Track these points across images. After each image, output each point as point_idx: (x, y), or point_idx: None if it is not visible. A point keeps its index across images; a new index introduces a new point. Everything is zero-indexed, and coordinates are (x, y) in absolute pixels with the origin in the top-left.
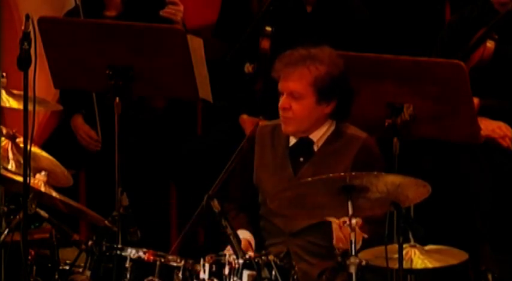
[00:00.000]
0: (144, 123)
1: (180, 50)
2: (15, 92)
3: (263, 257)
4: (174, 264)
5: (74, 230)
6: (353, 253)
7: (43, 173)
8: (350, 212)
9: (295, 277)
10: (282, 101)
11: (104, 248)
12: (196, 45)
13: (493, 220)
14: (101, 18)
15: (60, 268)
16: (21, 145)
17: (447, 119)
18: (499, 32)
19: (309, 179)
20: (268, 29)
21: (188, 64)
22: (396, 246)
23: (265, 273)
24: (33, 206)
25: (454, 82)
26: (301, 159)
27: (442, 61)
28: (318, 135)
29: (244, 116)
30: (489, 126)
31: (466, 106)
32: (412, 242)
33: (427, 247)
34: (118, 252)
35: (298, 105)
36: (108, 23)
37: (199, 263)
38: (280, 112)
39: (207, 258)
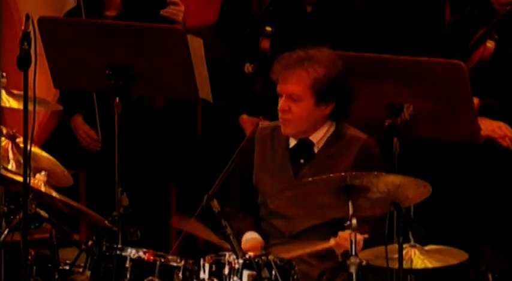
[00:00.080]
0: (144, 123)
1: (180, 50)
2: (15, 92)
3: (263, 257)
4: (174, 264)
5: (74, 230)
6: (353, 253)
7: (43, 173)
8: (350, 212)
9: (295, 277)
10: (281, 103)
11: (104, 248)
12: (196, 45)
13: (493, 220)
14: (101, 18)
15: (60, 268)
16: (21, 145)
17: (447, 119)
18: (499, 32)
19: (309, 179)
20: (268, 29)
21: (188, 64)
22: (396, 246)
23: (265, 273)
24: (33, 206)
25: (454, 82)
26: (302, 161)
27: (442, 61)
28: (318, 137)
29: (244, 116)
30: (489, 126)
31: (466, 106)
32: (412, 242)
33: (427, 247)
34: (118, 252)
35: (297, 107)
36: (108, 23)
37: (199, 263)
38: (280, 114)
39: (207, 258)
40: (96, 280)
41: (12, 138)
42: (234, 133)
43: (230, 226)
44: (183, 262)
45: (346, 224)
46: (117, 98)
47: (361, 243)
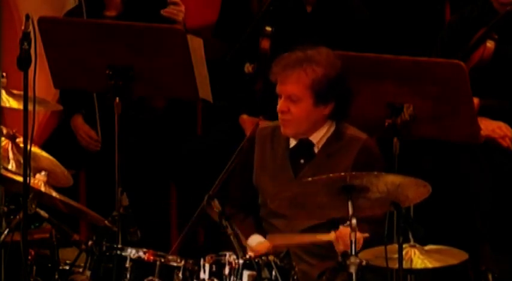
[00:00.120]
0: (144, 123)
1: (180, 50)
2: (15, 92)
3: (263, 257)
4: (174, 264)
5: (74, 230)
6: (353, 253)
7: (43, 173)
8: (350, 212)
9: (295, 277)
10: (280, 104)
11: (104, 248)
12: (196, 45)
13: (493, 220)
14: (101, 18)
15: (60, 268)
16: (21, 145)
17: (447, 119)
18: (499, 32)
19: (309, 179)
20: (268, 29)
21: (188, 64)
22: (396, 246)
23: (265, 273)
24: (33, 206)
25: (454, 82)
26: (302, 161)
27: (442, 61)
28: (318, 137)
29: (244, 116)
30: (489, 126)
31: (466, 106)
32: (412, 242)
33: (427, 247)
34: (118, 252)
35: (297, 108)
36: (108, 23)
37: (199, 263)
38: (279, 115)
39: (207, 258)
40: (96, 280)
41: (12, 138)
42: (234, 133)
43: (231, 226)
44: (183, 262)
45: (346, 224)
46: (117, 98)
47: (361, 241)
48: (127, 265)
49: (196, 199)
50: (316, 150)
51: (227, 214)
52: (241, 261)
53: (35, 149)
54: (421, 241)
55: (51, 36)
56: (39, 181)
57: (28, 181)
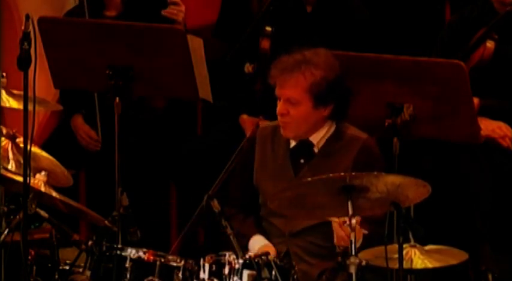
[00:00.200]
0: (144, 123)
1: (180, 50)
2: (15, 92)
3: (263, 257)
4: (174, 264)
5: (74, 230)
6: (353, 253)
7: (43, 173)
8: (350, 212)
9: (295, 277)
10: (280, 106)
11: (104, 248)
12: (196, 45)
13: (493, 220)
14: (101, 18)
15: (60, 268)
16: (21, 145)
17: (447, 119)
18: (499, 32)
19: (309, 179)
20: (268, 29)
21: (188, 64)
22: (396, 246)
23: (265, 273)
24: (33, 206)
25: (454, 82)
26: (302, 161)
27: (442, 61)
28: (318, 138)
29: (244, 116)
30: (489, 126)
31: (466, 106)
32: (412, 242)
33: (427, 247)
34: (118, 252)
35: (296, 111)
36: (108, 23)
37: (199, 263)
38: (279, 117)
39: (207, 258)
40: (96, 280)
41: (12, 138)
42: (234, 133)
43: (231, 226)
44: (183, 262)
45: (346, 224)
46: (117, 98)
47: (360, 235)
48: (127, 265)
49: (196, 199)
50: (316, 150)
51: (227, 215)
52: (241, 261)
53: (35, 149)
54: (421, 241)
55: (51, 36)
56: (39, 181)
57: (28, 181)
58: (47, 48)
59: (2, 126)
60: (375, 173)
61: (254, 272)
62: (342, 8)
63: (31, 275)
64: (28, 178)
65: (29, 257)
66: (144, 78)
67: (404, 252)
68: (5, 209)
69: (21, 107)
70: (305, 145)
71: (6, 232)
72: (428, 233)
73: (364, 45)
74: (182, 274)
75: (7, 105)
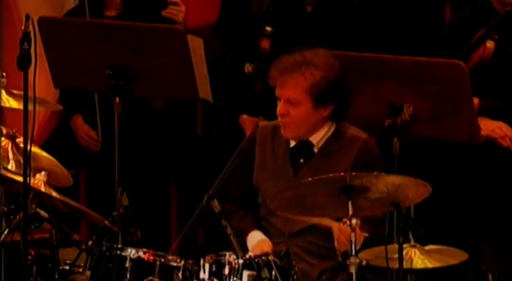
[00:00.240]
0: (144, 123)
1: (180, 50)
2: (15, 92)
3: (263, 257)
4: (174, 264)
5: (74, 230)
6: (353, 253)
7: (43, 173)
8: (350, 212)
9: (295, 277)
10: (280, 107)
11: (104, 248)
12: (196, 45)
13: (493, 220)
14: (101, 18)
15: (60, 268)
16: (21, 145)
17: (447, 119)
18: (499, 32)
19: (309, 179)
20: (268, 29)
21: (188, 64)
22: (396, 246)
23: (265, 273)
24: (33, 206)
25: (454, 82)
26: (302, 160)
27: (442, 61)
28: (318, 138)
29: (244, 116)
30: (489, 126)
31: (466, 106)
32: (412, 242)
33: (427, 247)
34: (118, 252)
35: (296, 111)
36: (108, 23)
37: (199, 263)
38: (279, 118)
39: (207, 258)
40: (96, 280)
41: (12, 138)
42: (234, 133)
43: (231, 225)
44: (183, 262)
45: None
46: (117, 98)
47: (361, 239)
48: (127, 265)
49: (196, 199)
50: (315, 150)
51: (227, 212)
52: (241, 261)
53: (35, 149)
54: (421, 241)
55: (51, 36)
56: (39, 181)
57: (28, 181)
58: (47, 48)
59: (2, 126)
60: (375, 173)
61: (254, 273)
62: (341, 8)
63: (31, 275)
64: (28, 178)
65: (29, 257)
66: (144, 78)
67: (404, 252)
68: (5, 209)
69: (21, 107)
70: (305, 145)
71: (6, 232)
72: (428, 233)
73: (364, 45)
74: (182, 274)
75: (7, 105)
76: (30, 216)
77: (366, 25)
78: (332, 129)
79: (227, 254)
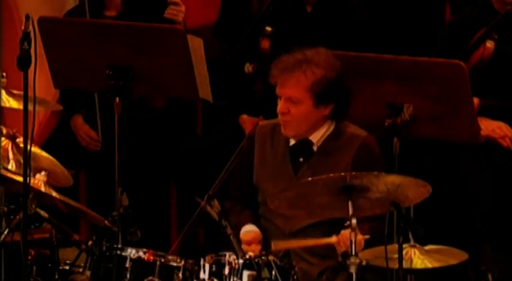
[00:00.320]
0: (144, 123)
1: (180, 50)
2: (15, 92)
3: (263, 257)
4: (174, 264)
5: (74, 230)
6: (353, 253)
7: (43, 173)
8: (350, 212)
9: (295, 277)
10: (280, 105)
11: (104, 248)
12: (196, 45)
13: (493, 220)
14: (101, 18)
15: (60, 268)
16: (21, 145)
17: (447, 119)
18: (499, 32)
19: (309, 179)
20: (268, 29)
21: (188, 64)
22: (396, 246)
23: (265, 273)
24: (33, 206)
25: (454, 82)
26: (301, 159)
27: (442, 61)
28: (318, 136)
29: (244, 116)
30: (489, 126)
31: (466, 106)
32: (412, 242)
33: (427, 247)
34: (118, 252)
35: (297, 110)
36: (108, 23)
37: (199, 263)
38: (280, 116)
39: (207, 258)
40: (96, 280)
41: (12, 138)
42: (234, 133)
43: (230, 225)
44: (183, 262)
45: (346, 224)
46: (117, 98)
47: (362, 243)
48: (127, 265)
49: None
50: (315, 148)
51: (226, 208)
52: (241, 261)
53: (35, 149)
54: (421, 241)
55: (51, 36)
56: (39, 181)
57: (28, 181)
58: (47, 48)
59: (2, 126)
60: (375, 173)
61: (254, 273)
62: (342, 8)
63: (31, 275)
64: (28, 178)
65: (29, 257)
66: (144, 78)
67: (404, 252)
68: (5, 209)
69: (21, 107)
70: (304, 144)
71: (6, 232)
72: (428, 233)
73: (364, 45)
74: (182, 274)
75: (7, 105)
76: (30, 216)
77: (366, 25)
78: (332, 128)
79: (227, 254)
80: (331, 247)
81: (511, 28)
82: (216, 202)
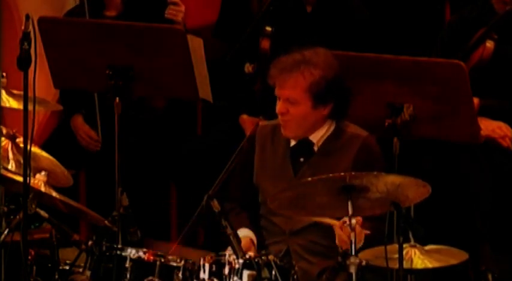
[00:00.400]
0: (144, 123)
1: (180, 50)
2: (15, 92)
3: (263, 257)
4: (174, 264)
5: (74, 230)
6: (353, 253)
7: (43, 173)
8: (350, 212)
9: (295, 277)
10: (279, 106)
11: (104, 248)
12: (196, 45)
13: (493, 220)
14: (101, 18)
15: (60, 268)
16: (21, 145)
17: (447, 119)
18: (499, 32)
19: (309, 179)
20: (268, 29)
21: (188, 64)
22: (396, 246)
23: (265, 273)
24: (33, 206)
25: (454, 82)
26: (302, 159)
27: (442, 61)
28: (318, 136)
29: (244, 116)
30: (489, 126)
31: (466, 106)
32: (412, 242)
33: (427, 247)
34: (118, 252)
35: (295, 110)
36: (108, 23)
37: (199, 263)
38: (279, 116)
39: (207, 258)
40: (96, 280)
41: (12, 138)
42: (234, 133)
43: (231, 225)
44: (183, 262)
45: (346, 224)
46: (117, 98)
47: (362, 236)
48: (127, 265)
49: (196, 199)
50: (315, 149)
51: (226, 209)
52: (241, 261)
53: (35, 149)
54: (421, 241)
55: (51, 36)
56: (39, 181)
57: (28, 181)
58: (47, 48)
59: (2, 126)
60: (375, 173)
61: (254, 272)
62: (341, 8)
63: (31, 275)
64: (28, 178)
65: (29, 257)
66: (144, 78)
67: (404, 252)
68: (5, 209)
69: (21, 107)
70: (305, 144)
71: (6, 232)
72: (428, 233)
73: (364, 45)
74: (182, 274)
75: (7, 105)
76: (30, 216)
77: (366, 25)
78: (332, 128)
79: (227, 254)
80: (331, 246)
81: (511, 28)
82: (216, 202)
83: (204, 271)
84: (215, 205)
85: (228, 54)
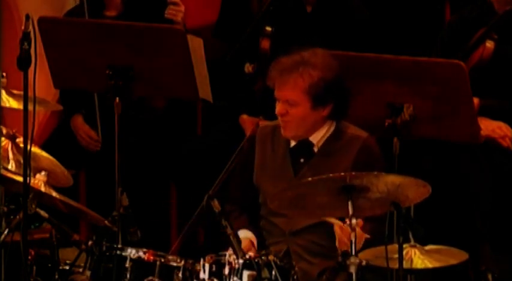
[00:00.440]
0: (144, 123)
1: (180, 50)
2: (15, 92)
3: (263, 257)
4: (174, 264)
5: (74, 230)
6: (353, 253)
7: (43, 173)
8: (350, 212)
9: (295, 277)
10: (278, 107)
11: (104, 248)
12: (196, 45)
13: (493, 220)
14: (101, 18)
15: (60, 268)
16: (21, 145)
17: (447, 119)
18: (499, 32)
19: (309, 179)
20: (268, 29)
21: (188, 64)
22: (396, 246)
23: (265, 273)
24: (33, 206)
25: (454, 82)
26: (302, 160)
27: (442, 61)
28: (318, 137)
29: (244, 116)
30: (489, 126)
31: (466, 106)
32: (412, 242)
33: (427, 247)
34: (118, 252)
35: (295, 111)
36: (108, 23)
37: (199, 263)
38: (279, 117)
39: (207, 258)
40: (96, 280)
41: (12, 138)
42: (234, 133)
43: (231, 225)
44: (183, 262)
45: (346, 224)
46: (117, 98)
47: (362, 239)
48: (127, 265)
49: (196, 199)
50: (315, 149)
51: (226, 211)
52: (241, 261)
53: (35, 149)
54: (421, 241)
55: (51, 36)
56: (39, 181)
57: (28, 181)
58: (47, 48)
59: (2, 126)
60: (375, 173)
61: (254, 273)
62: (341, 8)
63: (31, 275)
64: (28, 178)
65: (29, 257)
66: (144, 78)
67: (404, 252)
68: (5, 209)
69: (21, 107)
70: (305, 145)
71: (6, 232)
72: (428, 233)
73: (364, 45)
74: (182, 274)
75: (7, 105)
76: (30, 216)
77: (366, 25)
78: (332, 128)
79: (227, 254)
80: (331, 246)
81: (511, 28)
82: (216, 202)
83: (204, 271)
84: (215, 205)
85: (228, 54)
